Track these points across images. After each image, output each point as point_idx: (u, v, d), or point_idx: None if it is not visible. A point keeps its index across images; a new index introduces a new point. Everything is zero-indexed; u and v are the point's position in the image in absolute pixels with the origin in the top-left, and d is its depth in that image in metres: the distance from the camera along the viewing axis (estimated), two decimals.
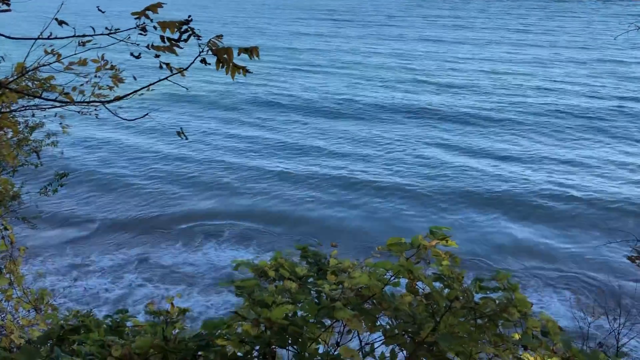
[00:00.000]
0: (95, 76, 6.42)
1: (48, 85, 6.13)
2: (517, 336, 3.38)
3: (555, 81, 34.65)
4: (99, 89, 6.26)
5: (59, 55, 6.29)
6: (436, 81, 34.15)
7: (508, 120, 26.05)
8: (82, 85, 6.24)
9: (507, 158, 21.24)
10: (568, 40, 51.32)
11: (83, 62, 6.26)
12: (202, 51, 4.63)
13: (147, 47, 4.97)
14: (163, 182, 18.60)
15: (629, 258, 4.64)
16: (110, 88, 6.40)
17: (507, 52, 45.06)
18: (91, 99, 5.45)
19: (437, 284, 3.50)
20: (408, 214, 16.18)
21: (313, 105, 28.71)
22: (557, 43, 49.37)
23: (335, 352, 3.42)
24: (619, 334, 8.57)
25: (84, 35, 5.56)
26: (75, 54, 5.60)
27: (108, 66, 6.43)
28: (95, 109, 6.25)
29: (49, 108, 6.22)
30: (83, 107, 6.01)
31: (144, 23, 4.92)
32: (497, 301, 3.40)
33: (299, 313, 3.58)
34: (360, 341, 3.75)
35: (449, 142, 23.25)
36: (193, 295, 11.65)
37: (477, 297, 3.57)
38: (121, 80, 6.38)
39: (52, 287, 10.92)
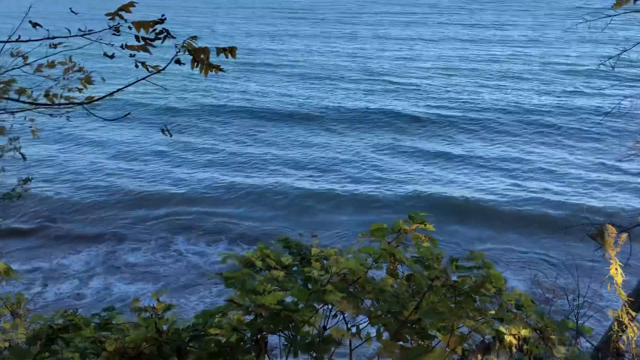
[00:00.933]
0: (64, 78, 6.39)
1: (16, 88, 6.08)
2: (493, 311, 3.63)
3: (506, 77, 35.48)
4: (69, 90, 6.23)
5: (26, 57, 6.26)
6: (390, 80, 34.34)
7: (460, 120, 26.31)
8: (51, 87, 6.21)
9: (459, 158, 21.41)
10: (520, 35, 52.75)
11: (51, 65, 6.24)
12: (179, 52, 4.73)
13: (122, 46, 5.03)
14: (130, 181, 18.39)
15: (590, 235, 4.99)
16: (80, 90, 6.38)
17: (460, 49, 45.95)
18: (72, 102, 5.44)
19: (418, 266, 3.72)
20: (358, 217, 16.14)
21: (266, 107, 28.32)
22: (510, 38, 50.69)
23: (326, 333, 3.60)
24: (578, 313, 9.03)
25: (54, 37, 5.56)
26: (46, 57, 5.59)
27: (76, 68, 6.43)
28: (67, 111, 6.23)
29: (18, 111, 6.17)
30: (54, 109, 5.98)
31: (118, 24, 4.98)
32: (473, 279, 3.64)
33: (287, 300, 3.74)
34: (347, 323, 3.93)
35: (402, 144, 23.15)
36: (169, 294, 11.69)
37: (454, 276, 3.81)
38: (90, 82, 6.37)
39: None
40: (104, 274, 12.74)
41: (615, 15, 8.65)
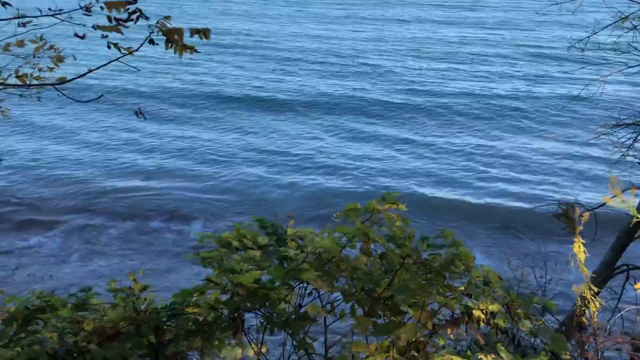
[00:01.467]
0: (34, 57, 6.28)
1: None
2: (462, 287, 3.77)
3: (476, 61, 35.51)
4: (40, 70, 6.13)
5: None
6: (360, 62, 33.83)
7: (427, 105, 26.05)
8: (20, 66, 6.10)
9: (423, 145, 21.17)
10: (492, 17, 53.02)
11: (21, 43, 6.12)
12: (152, 32, 4.70)
13: (94, 27, 4.97)
14: (101, 163, 18.15)
15: (555, 215, 5.18)
16: (51, 69, 6.28)
17: (431, 30, 45.84)
18: (44, 82, 5.36)
19: (391, 244, 3.84)
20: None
21: (234, 92, 27.71)
22: (483, 19, 50.87)
23: (301, 311, 3.70)
24: (545, 290, 9.33)
25: (24, 16, 5.46)
26: (14, 35, 5.49)
27: (47, 46, 6.32)
28: (38, 92, 6.14)
29: None
30: (24, 89, 5.89)
31: (90, 3, 4.92)
32: (444, 256, 3.77)
33: (264, 279, 3.82)
34: (322, 301, 4.04)
35: (366, 130, 22.84)
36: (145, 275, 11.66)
37: (425, 254, 3.94)
38: (61, 60, 6.27)
39: None
40: (78, 255, 12.64)
41: None
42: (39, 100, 6.29)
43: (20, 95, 6.11)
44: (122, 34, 4.89)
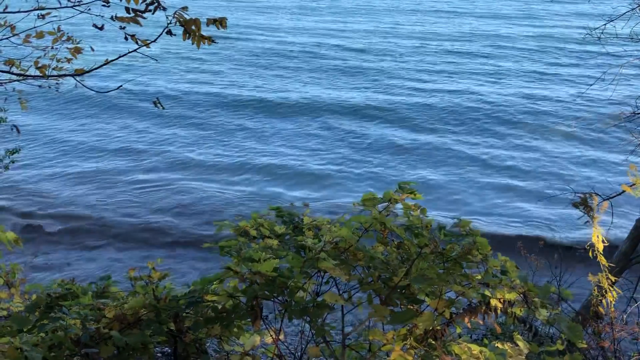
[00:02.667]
0: (52, 48, 6.34)
1: (3, 60, 6.03)
2: (479, 276, 3.78)
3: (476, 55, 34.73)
4: (58, 61, 6.19)
5: (13, 27, 6.20)
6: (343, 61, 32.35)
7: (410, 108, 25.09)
8: (39, 57, 6.16)
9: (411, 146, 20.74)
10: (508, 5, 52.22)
11: (40, 35, 6.18)
12: (170, 23, 4.73)
13: (112, 18, 5.00)
14: (113, 158, 18.31)
15: (574, 204, 5.16)
16: (69, 60, 6.34)
17: (427, 23, 44.87)
18: (62, 73, 5.43)
19: (407, 234, 3.85)
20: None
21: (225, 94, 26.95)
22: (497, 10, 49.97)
23: (319, 299, 3.74)
24: (560, 280, 9.30)
25: (43, 8, 5.52)
26: (34, 27, 5.55)
27: (64, 37, 6.38)
28: (57, 83, 6.21)
29: (6, 82, 6.15)
30: (43, 80, 5.96)
31: None
32: (461, 246, 3.78)
33: (282, 267, 3.86)
34: (339, 289, 4.08)
35: (349, 133, 22.23)
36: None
37: (442, 244, 3.95)
38: (79, 51, 6.33)
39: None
40: (93, 244, 12.81)
41: None
42: (57, 91, 6.36)
43: (40, 86, 6.19)
44: (140, 24, 4.92)
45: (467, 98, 24.95)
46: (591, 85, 13.50)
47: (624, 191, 5.64)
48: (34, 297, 4.47)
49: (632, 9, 9.14)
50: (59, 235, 13.41)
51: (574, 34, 36.49)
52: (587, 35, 10.04)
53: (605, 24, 9.60)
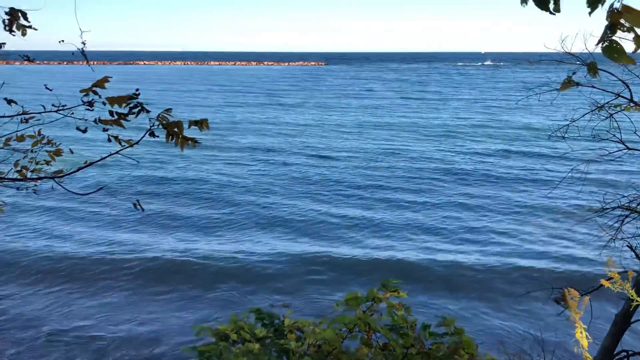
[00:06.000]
0: (32, 151, 6.38)
1: None
2: None
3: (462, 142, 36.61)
4: (37, 163, 6.21)
5: None
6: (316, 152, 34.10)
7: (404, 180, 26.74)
8: (18, 160, 6.18)
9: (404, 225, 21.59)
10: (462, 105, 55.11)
11: (21, 138, 6.24)
12: (153, 125, 4.83)
13: (95, 121, 5.10)
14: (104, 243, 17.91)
15: (554, 299, 5.14)
16: (47, 162, 6.37)
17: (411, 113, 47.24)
18: (42, 175, 5.42)
19: (393, 334, 3.78)
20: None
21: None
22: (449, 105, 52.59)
23: None
24: None
25: (27, 112, 5.62)
26: (16, 131, 5.60)
27: (45, 141, 6.45)
28: (35, 185, 6.17)
29: None
30: (22, 183, 5.93)
31: (92, 99, 5.08)
32: (446, 345, 3.71)
33: None
34: None
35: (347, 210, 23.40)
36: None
37: (428, 343, 3.88)
38: (59, 154, 6.38)
39: None
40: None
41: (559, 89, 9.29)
42: (35, 192, 6.32)
43: (18, 189, 6.15)
44: (123, 127, 5.02)
45: (446, 202, 25.54)
46: (559, 182, 13.95)
47: (602, 285, 5.68)
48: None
49: (592, 110, 9.68)
50: None
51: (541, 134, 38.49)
52: (551, 135, 10.53)
53: (568, 124, 10.11)
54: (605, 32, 2.19)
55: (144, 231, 20.28)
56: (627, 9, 2.03)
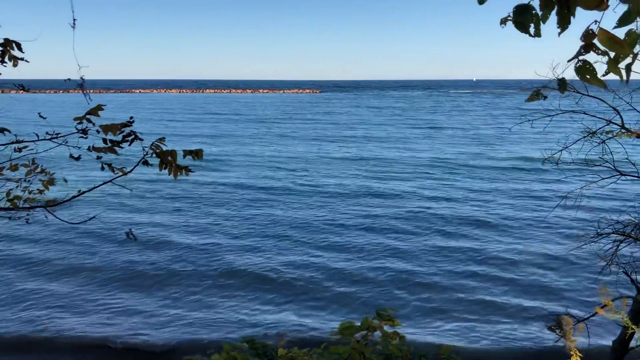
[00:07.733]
0: (25, 180, 6.36)
1: None
2: None
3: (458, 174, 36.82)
4: (29, 192, 6.18)
5: None
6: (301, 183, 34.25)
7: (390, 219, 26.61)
8: (11, 189, 6.15)
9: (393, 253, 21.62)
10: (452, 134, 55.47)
11: (14, 167, 6.22)
12: (147, 154, 4.83)
13: (89, 149, 5.11)
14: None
15: (549, 328, 5.10)
16: (41, 191, 6.35)
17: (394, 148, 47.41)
18: (33, 204, 5.39)
19: None
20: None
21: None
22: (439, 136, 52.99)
23: None
24: None
25: (20, 141, 5.61)
26: (10, 160, 5.59)
27: (38, 170, 6.43)
28: (27, 214, 6.13)
29: None
30: (13, 212, 5.89)
31: (86, 127, 5.08)
32: None
33: None
34: None
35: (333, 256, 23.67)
36: None
37: None
38: (52, 183, 6.36)
39: None
40: None
41: (555, 114, 9.39)
42: (27, 222, 6.27)
43: (10, 218, 6.10)
44: (117, 154, 5.02)
45: (440, 230, 25.52)
46: (554, 207, 13.98)
47: (596, 313, 5.65)
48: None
49: (584, 137, 9.77)
50: None
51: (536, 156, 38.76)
52: (545, 161, 10.60)
53: (561, 150, 10.19)
54: (579, 51, 2.21)
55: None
56: (602, 32, 2.06)
